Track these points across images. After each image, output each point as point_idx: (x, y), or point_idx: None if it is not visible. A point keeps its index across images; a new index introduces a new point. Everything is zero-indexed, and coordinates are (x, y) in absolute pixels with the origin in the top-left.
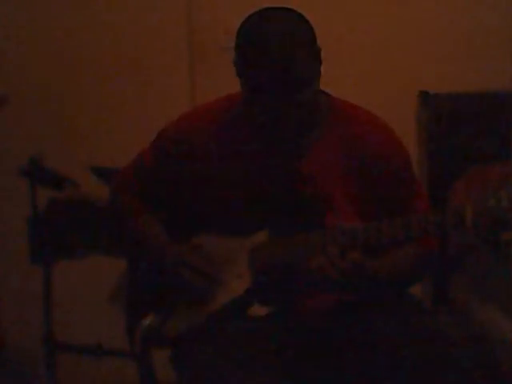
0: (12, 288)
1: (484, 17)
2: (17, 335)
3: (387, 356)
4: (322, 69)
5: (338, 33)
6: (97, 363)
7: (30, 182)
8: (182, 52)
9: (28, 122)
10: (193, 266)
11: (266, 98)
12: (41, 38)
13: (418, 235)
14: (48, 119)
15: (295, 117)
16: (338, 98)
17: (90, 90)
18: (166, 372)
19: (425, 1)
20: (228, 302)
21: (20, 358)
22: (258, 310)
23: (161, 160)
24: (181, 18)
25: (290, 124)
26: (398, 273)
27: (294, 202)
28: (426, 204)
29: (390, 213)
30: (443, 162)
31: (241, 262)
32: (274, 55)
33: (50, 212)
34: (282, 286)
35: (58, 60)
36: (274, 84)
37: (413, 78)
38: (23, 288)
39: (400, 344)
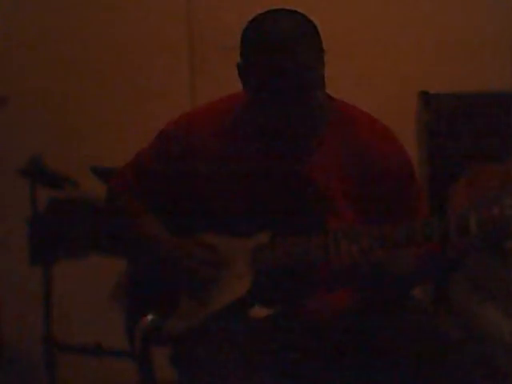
0: (12, 288)
1: (484, 17)
2: (17, 335)
3: (387, 356)
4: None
5: (338, 33)
6: (96, 363)
7: (30, 182)
8: (181, 52)
9: (28, 122)
10: (197, 256)
11: (276, 99)
12: (41, 38)
13: (421, 241)
14: (48, 119)
15: (304, 118)
16: (338, 100)
17: (89, 90)
18: (166, 372)
19: (425, 1)
20: (229, 303)
21: (20, 358)
22: (259, 310)
23: (161, 159)
24: (181, 18)
25: (298, 126)
26: (404, 272)
27: (296, 204)
28: (426, 207)
29: (391, 215)
30: (443, 162)
31: (242, 263)
32: (283, 55)
33: (49, 212)
34: (284, 287)
35: (57, 60)
36: (284, 85)
37: (413, 78)
38: (23, 288)
39: (400, 344)
